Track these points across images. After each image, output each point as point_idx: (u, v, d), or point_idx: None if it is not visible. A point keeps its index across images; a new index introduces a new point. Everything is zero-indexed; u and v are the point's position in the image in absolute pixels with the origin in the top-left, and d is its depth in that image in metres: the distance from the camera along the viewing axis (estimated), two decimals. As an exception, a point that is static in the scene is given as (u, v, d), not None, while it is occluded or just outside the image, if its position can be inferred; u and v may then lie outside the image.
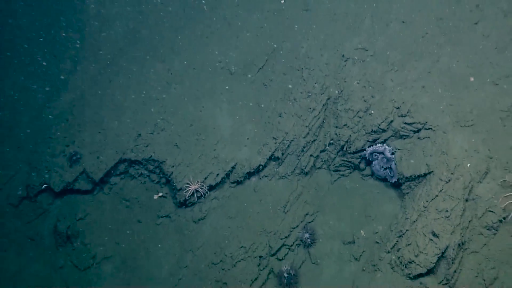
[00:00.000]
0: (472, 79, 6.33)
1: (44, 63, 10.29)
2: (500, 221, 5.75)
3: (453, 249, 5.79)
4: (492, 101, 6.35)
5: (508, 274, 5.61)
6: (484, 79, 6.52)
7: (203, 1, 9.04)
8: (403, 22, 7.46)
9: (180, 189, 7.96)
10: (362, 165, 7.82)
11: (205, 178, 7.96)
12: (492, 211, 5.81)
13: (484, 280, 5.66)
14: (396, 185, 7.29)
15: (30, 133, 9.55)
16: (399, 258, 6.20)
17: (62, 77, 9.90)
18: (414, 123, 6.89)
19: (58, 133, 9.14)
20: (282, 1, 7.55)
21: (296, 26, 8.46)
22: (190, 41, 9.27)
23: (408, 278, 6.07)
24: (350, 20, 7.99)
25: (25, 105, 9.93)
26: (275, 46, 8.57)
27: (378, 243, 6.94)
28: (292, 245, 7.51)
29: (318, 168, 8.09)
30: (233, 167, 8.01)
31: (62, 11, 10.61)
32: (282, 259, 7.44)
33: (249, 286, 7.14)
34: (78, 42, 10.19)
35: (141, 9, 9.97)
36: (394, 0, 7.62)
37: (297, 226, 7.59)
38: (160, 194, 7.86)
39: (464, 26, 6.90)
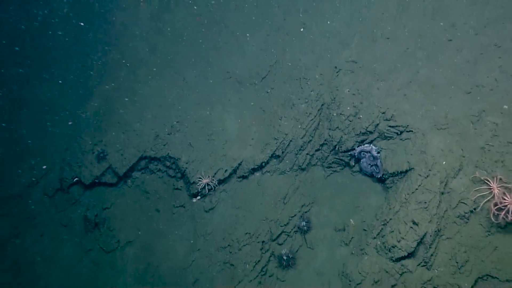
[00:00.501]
0: (505, 107, 6.06)
1: (76, 72, 10.26)
2: (471, 211, 5.78)
3: (431, 236, 5.83)
4: (464, 108, 6.36)
5: (478, 257, 5.65)
6: (458, 88, 6.52)
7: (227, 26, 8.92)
8: (388, 38, 7.46)
9: (193, 182, 7.98)
10: (351, 163, 7.80)
11: (215, 173, 7.98)
12: (464, 203, 5.83)
13: (457, 262, 5.71)
14: (381, 180, 7.29)
15: (64, 133, 9.55)
16: (383, 243, 6.22)
17: (91, 84, 9.88)
18: (397, 126, 6.90)
19: (88, 134, 9.15)
20: (302, 29, 7.44)
21: (294, 41, 8.46)
22: (202, 53, 9.27)
23: (391, 261, 6.07)
24: (342, 37, 7.99)
25: (60, 108, 9.91)
26: (276, 58, 8.56)
27: (365, 230, 6.94)
28: (290, 231, 7.51)
29: (314, 165, 8.06)
30: (239, 164, 8.02)
31: (91, 27, 10.63)
32: (282, 244, 7.44)
33: (253, 267, 7.14)
34: (106, 52, 10.17)
35: (159, 25, 9.96)
36: (380, 19, 7.62)
37: (295, 215, 7.58)
38: (198, 197, 7.75)
39: (440, 42, 6.90)
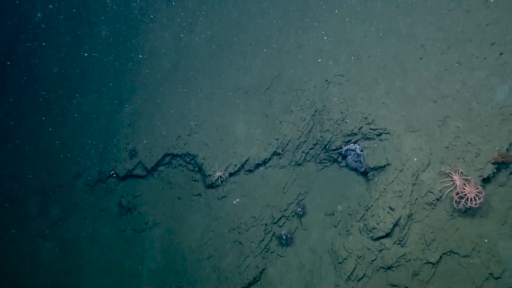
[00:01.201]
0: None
1: (112, 84, 10.37)
2: (437, 199, 5.81)
3: (404, 219, 5.86)
4: (432, 114, 6.33)
5: (443, 237, 5.71)
6: (427, 98, 6.50)
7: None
8: (369, 56, 7.39)
9: (209, 175, 8.03)
10: (339, 159, 7.81)
11: (227, 168, 8.01)
12: (432, 192, 5.84)
13: (425, 241, 5.76)
14: (364, 174, 7.28)
15: (102, 135, 9.68)
16: (365, 225, 6.24)
17: (125, 95, 9.96)
18: (377, 129, 6.87)
19: (122, 135, 9.23)
20: (319, 60, 7.26)
21: (292, 59, 8.40)
22: (216, 69, 9.27)
23: (372, 240, 6.13)
24: (331, 55, 7.90)
25: (99, 114, 10.05)
26: (277, 73, 8.51)
27: (350, 215, 6.97)
28: (288, 216, 7.54)
29: (308, 161, 8.05)
30: (246, 160, 8.02)
31: (124, 47, 10.74)
32: (282, 226, 7.49)
33: (257, 245, 7.22)
34: (137, 69, 10.22)
35: (181, 45, 9.99)
36: (363, 41, 7.57)
37: (292, 202, 7.60)
38: (238, 199, 7.66)
39: (412, 60, 6.87)
